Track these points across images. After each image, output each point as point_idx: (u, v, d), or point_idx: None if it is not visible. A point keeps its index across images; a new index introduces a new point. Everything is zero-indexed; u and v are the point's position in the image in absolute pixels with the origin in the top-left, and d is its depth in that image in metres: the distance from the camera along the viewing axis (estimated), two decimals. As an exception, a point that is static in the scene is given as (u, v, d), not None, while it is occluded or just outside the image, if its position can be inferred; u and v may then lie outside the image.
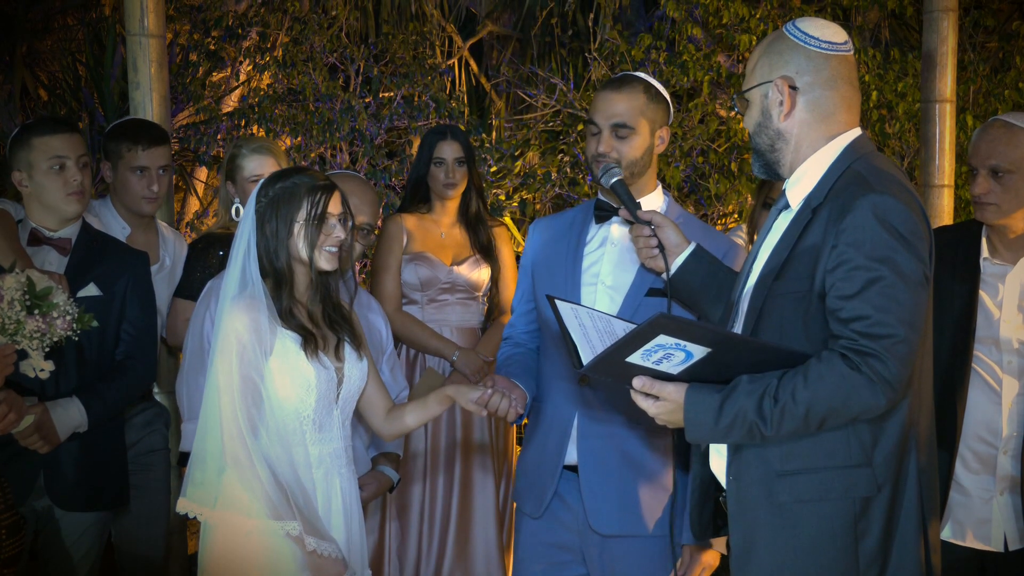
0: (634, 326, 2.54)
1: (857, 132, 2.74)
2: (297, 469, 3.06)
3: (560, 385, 3.40)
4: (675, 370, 2.55)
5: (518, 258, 5.55)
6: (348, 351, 3.24)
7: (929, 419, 2.70)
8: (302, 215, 3.11)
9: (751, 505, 2.66)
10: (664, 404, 2.59)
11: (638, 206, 3.22)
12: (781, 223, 2.76)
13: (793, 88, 2.70)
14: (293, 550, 2.98)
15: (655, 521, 3.35)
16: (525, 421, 3.54)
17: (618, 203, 3.31)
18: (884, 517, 2.59)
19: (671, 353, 2.49)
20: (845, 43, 2.74)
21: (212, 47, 6.84)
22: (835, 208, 2.58)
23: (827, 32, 2.73)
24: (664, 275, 3.12)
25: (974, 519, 3.55)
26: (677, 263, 3.11)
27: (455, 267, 4.84)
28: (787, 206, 2.76)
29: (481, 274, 4.88)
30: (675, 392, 2.57)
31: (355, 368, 3.25)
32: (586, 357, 2.67)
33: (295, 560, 2.99)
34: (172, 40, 6.67)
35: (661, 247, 3.11)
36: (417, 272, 4.81)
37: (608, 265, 3.37)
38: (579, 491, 3.36)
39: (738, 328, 2.75)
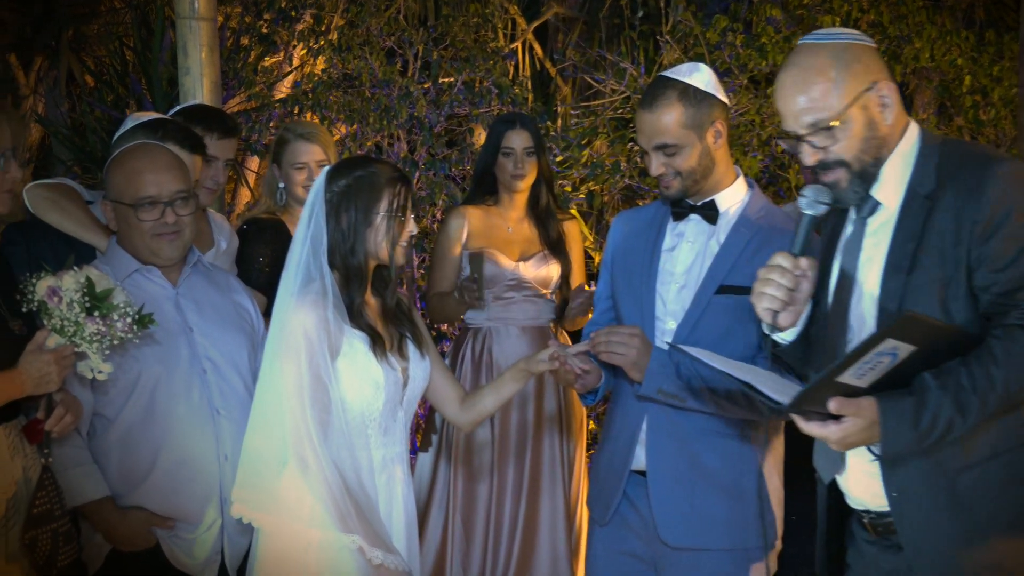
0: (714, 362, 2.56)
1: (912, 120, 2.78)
2: (361, 474, 3.06)
3: (629, 387, 3.38)
4: (866, 381, 2.48)
5: (587, 253, 5.55)
6: (411, 349, 3.26)
7: None
8: (383, 206, 3.12)
9: (930, 512, 2.65)
10: (854, 423, 2.50)
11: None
12: (879, 225, 2.75)
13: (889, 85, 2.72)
14: (358, 564, 2.97)
15: (729, 534, 3.33)
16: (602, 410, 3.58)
17: (696, 201, 3.37)
18: None
19: (880, 360, 2.44)
20: None
21: (264, 30, 6.90)
22: (961, 188, 2.61)
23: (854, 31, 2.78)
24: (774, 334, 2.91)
25: None
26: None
27: (521, 263, 4.84)
28: (874, 209, 2.75)
29: (550, 271, 4.87)
30: (868, 407, 2.50)
31: (419, 368, 3.26)
32: (773, 392, 2.58)
33: (359, 574, 2.98)
34: (223, 23, 6.70)
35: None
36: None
37: (682, 264, 3.38)
38: (648, 497, 3.36)
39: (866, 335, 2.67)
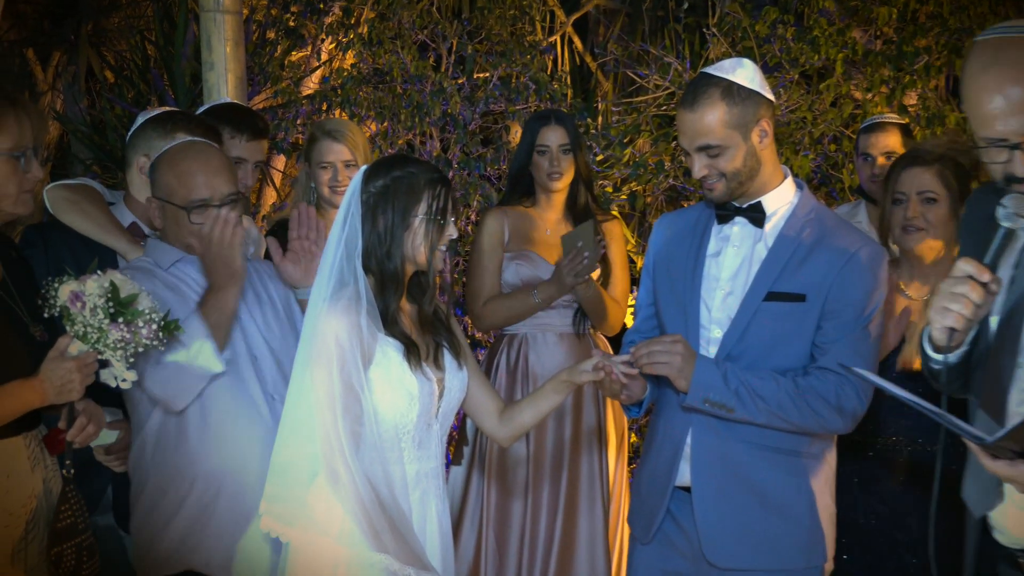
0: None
1: None
2: (394, 489, 3.02)
3: (674, 398, 3.33)
4: None
5: (629, 258, 5.47)
6: (448, 359, 3.22)
7: None
8: (422, 209, 3.08)
9: None
10: None
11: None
12: None
13: None
14: None
15: (781, 555, 3.29)
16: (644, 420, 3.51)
17: (742, 203, 3.33)
18: None
19: None
20: None
21: (291, 24, 6.94)
22: None
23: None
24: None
25: None
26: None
27: (559, 267, 4.76)
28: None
29: (589, 274, 4.79)
30: None
31: (455, 379, 3.22)
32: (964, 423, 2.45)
33: None
34: (248, 16, 6.74)
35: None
36: (518, 272, 4.78)
37: (728, 269, 3.35)
38: (693, 515, 3.32)
39: None
